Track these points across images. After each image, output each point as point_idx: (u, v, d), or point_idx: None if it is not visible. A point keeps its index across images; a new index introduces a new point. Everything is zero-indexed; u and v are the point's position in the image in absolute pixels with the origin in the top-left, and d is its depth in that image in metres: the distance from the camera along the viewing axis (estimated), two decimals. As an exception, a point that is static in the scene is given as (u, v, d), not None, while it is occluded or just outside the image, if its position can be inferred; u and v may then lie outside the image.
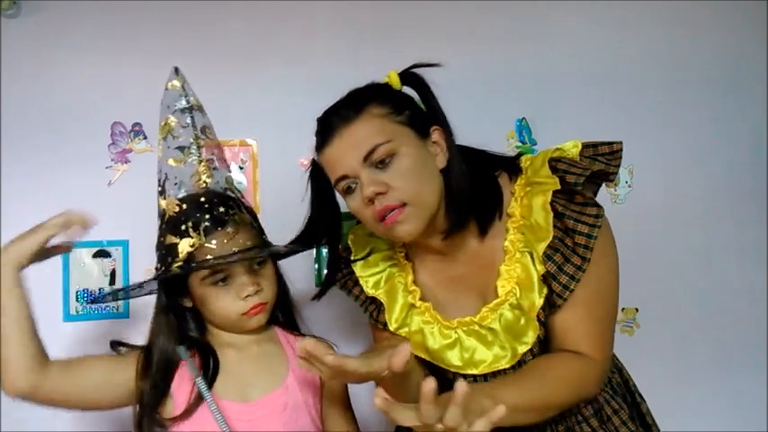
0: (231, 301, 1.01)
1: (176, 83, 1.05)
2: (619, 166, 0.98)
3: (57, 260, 1.37)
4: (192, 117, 1.04)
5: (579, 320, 0.94)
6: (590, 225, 0.91)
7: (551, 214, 0.92)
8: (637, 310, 1.62)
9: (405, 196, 0.89)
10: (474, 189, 0.95)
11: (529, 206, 0.94)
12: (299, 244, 1.06)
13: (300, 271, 1.46)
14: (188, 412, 0.97)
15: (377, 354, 0.84)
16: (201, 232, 0.96)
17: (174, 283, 1.03)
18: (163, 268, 1.00)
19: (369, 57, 1.50)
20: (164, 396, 0.99)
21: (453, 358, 1.00)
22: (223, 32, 1.49)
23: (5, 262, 0.90)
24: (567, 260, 0.92)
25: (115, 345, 1.06)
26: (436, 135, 0.96)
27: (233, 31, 1.50)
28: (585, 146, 1.00)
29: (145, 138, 1.44)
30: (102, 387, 0.99)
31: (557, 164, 0.94)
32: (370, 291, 1.07)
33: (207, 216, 0.97)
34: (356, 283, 1.10)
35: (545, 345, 0.98)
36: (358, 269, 1.09)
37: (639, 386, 1.56)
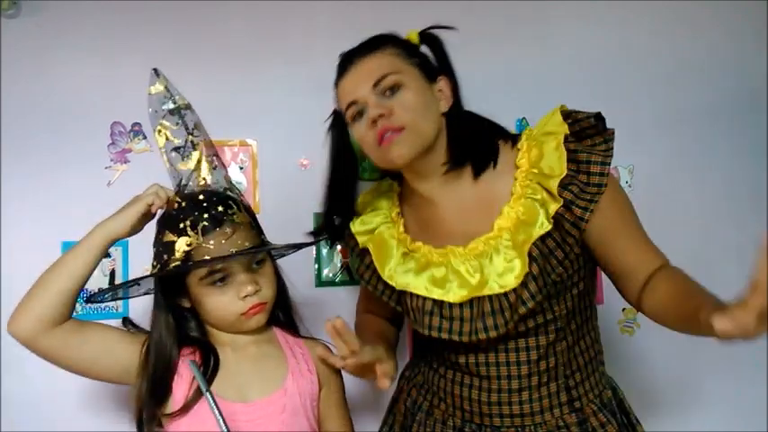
0: (229, 302, 1.00)
1: (159, 86, 1.05)
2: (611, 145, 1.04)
3: (56, 260, 1.38)
4: (181, 117, 1.04)
5: (636, 247, 1.02)
6: (603, 155, 0.98)
7: (565, 153, 0.98)
8: (637, 310, 1.62)
9: (404, 121, 0.98)
10: (472, 134, 1.05)
11: (539, 154, 1.01)
12: (328, 200, 1.15)
13: (300, 272, 1.46)
14: (185, 409, 0.97)
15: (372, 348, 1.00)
16: (199, 232, 0.96)
17: (171, 283, 1.02)
18: (159, 266, 0.99)
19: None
20: (165, 396, 0.99)
21: (432, 285, 1.04)
22: (223, 32, 1.49)
23: (97, 229, 0.98)
24: (583, 190, 0.97)
25: (126, 322, 1.06)
26: (442, 83, 1.05)
27: (233, 31, 1.50)
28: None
29: (144, 138, 1.44)
30: (102, 356, 0.99)
31: (568, 112, 1.04)
32: (362, 242, 1.15)
33: (205, 215, 0.97)
34: (352, 236, 1.17)
35: (547, 287, 0.98)
36: (355, 226, 1.17)
37: (639, 386, 1.56)
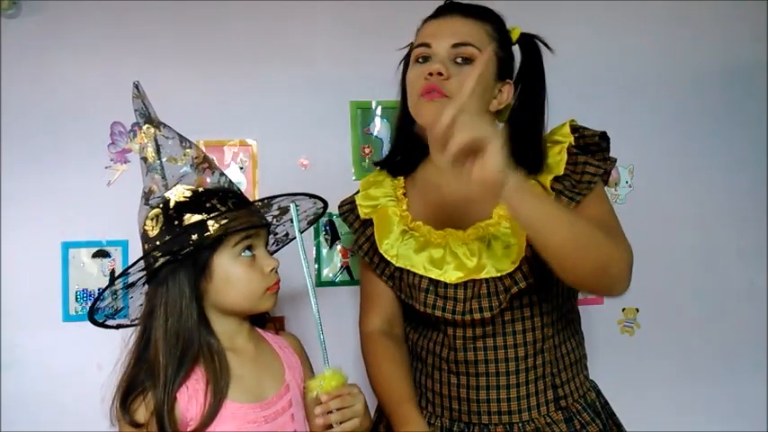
0: (259, 276, 1.00)
1: (138, 99, 1.04)
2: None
3: (56, 260, 1.38)
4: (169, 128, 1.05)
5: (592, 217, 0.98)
6: (599, 162, 1.03)
7: (565, 158, 1.03)
8: (637, 310, 1.62)
9: (453, 92, 0.99)
10: (522, 144, 1.04)
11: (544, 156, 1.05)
12: (396, 133, 1.20)
13: (300, 271, 1.46)
14: (205, 425, 0.93)
15: None
16: (230, 206, 0.98)
17: (193, 265, 0.98)
18: (184, 249, 0.96)
19: (369, 57, 1.50)
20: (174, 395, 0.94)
21: (430, 265, 1.06)
22: (223, 33, 1.49)
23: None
24: (574, 186, 1.01)
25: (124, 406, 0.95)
26: (506, 87, 1.09)
27: (233, 31, 1.50)
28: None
29: (145, 138, 1.44)
30: None
31: (576, 127, 1.08)
32: (364, 214, 1.16)
33: (230, 194, 1.00)
34: (352, 212, 1.19)
35: (538, 270, 0.99)
36: (359, 199, 1.18)
37: (639, 386, 1.56)
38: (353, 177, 1.51)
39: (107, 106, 1.42)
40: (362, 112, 1.52)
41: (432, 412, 1.11)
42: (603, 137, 1.06)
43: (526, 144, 1.05)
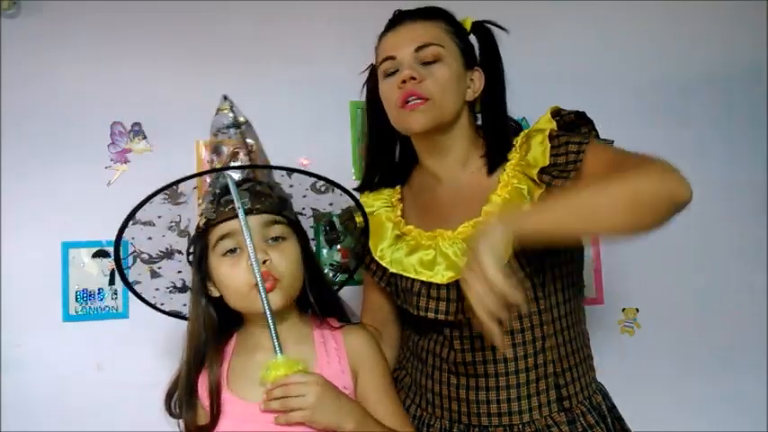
0: (242, 272, 0.95)
1: (225, 106, 1.09)
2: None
3: (56, 260, 1.38)
4: (241, 133, 1.08)
5: (605, 168, 0.95)
6: (581, 137, 1.02)
7: (549, 146, 1.02)
8: (637, 310, 1.62)
9: (432, 92, 1.02)
10: (487, 129, 1.10)
11: (527, 148, 1.05)
12: (367, 153, 1.22)
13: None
14: (213, 422, 0.96)
15: None
16: (216, 202, 0.99)
17: (202, 270, 1.02)
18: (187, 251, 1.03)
19: (369, 57, 1.50)
20: (192, 393, 0.99)
21: (421, 268, 1.06)
22: (223, 33, 1.49)
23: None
24: (562, 171, 1.00)
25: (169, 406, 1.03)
26: (476, 75, 1.10)
27: (233, 31, 1.50)
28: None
29: (144, 138, 1.44)
30: None
31: (556, 111, 1.09)
32: (359, 223, 1.16)
33: (221, 192, 1.00)
34: (351, 219, 1.19)
35: (530, 264, 1.01)
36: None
37: (639, 386, 1.55)
38: (353, 177, 1.51)
39: (107, 106, 1.42)
40: (362, 113, 1.52)
41: (431, 413, 1.10)
42: (580, 115, 1.07)
43: (495, 127, 1.09)
